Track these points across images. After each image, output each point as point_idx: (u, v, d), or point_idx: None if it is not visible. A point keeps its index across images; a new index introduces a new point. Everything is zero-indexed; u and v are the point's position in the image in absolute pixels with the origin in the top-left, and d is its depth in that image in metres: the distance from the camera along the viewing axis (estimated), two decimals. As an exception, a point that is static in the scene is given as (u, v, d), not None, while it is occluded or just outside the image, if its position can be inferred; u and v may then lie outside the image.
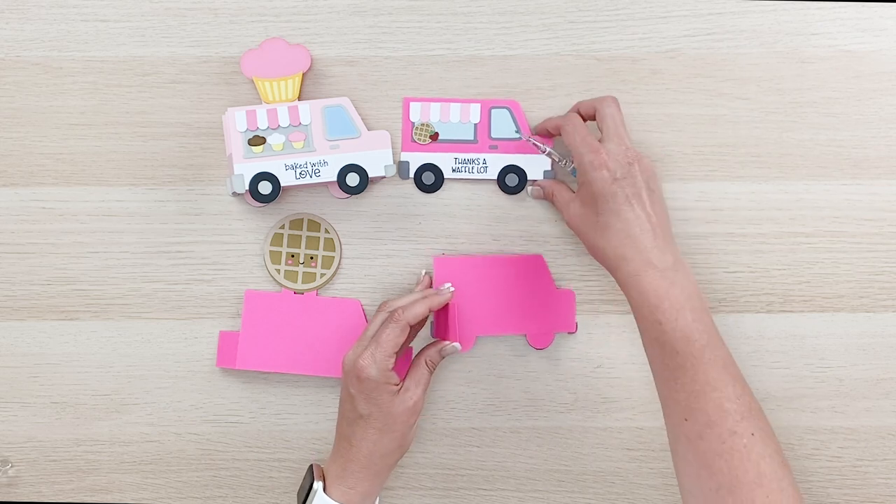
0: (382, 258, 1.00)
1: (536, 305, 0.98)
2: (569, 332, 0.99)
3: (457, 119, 0.98)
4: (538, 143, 0.96)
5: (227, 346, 0.98)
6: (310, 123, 0.95)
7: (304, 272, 0.99)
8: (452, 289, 0.96)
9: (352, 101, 0.97)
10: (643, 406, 1.00)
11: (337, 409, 0.93)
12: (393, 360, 0.90)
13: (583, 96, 0.99)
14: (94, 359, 0.99)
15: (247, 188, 0.94)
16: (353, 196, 0.99)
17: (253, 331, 0.98)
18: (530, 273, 0.99)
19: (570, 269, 1.00)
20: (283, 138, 0.95)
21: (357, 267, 1.00)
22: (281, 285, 0.99)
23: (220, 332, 0.99)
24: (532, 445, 1.00)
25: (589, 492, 1.00)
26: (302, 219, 0.99)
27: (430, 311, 0.93)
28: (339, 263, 0.99)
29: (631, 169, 0.89)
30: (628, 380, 1.00)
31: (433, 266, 0.98)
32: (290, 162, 0.94)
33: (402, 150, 0.98)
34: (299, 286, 0.99)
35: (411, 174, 0.98)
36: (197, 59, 0.99)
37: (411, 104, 0.98)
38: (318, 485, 0.90)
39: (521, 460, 1.00)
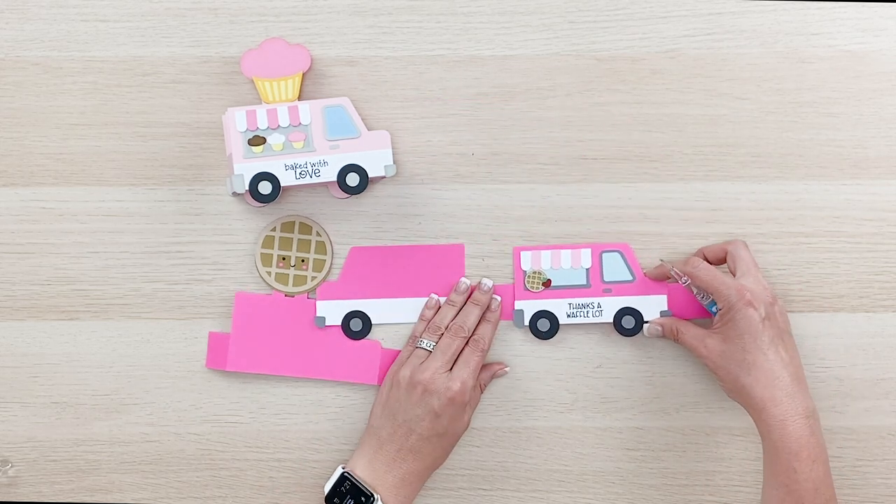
0: (382, 258, 1.00)
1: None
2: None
3: (568, 265, 0.98)
4: (680, 275, 0.94)
5: (217, 348, 0.98)
6: (310, 123, 0.95)
7: (294, 275, 0.99)
8: (499, 299, 0.99)
9: (352, 101, 0.97)
10: (643, 406, 1.00)
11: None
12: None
13: (583, 96, 0.99)
14: (94, 359, 0.99)
15: (247, 188, 0.94)
16: (353, 196, 0.99)
17: (243, 333, 0.98)
18: (450, 263, 0.99)
19: (570, 269, 1.00)
20: (283, 138, 0.95)
21: (357, 267, 1.00)
22: (272, 288, 0.99)
23: (210, 332, 0.99)
24: (532, 445, 1.00)
25: (589, 492, 1.00)
26: (293, 221, 0.99)
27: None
28: (330, 266, 0.99)
29: (772, 309, 0.91)
30: (628, 380, 1.00)
31: (348, 255, 0.98)
32: (290, 162, 0.94)
33: (516, 298, 0.98)
34: (290, 289, 0.99)
35: (526, 322, 0.98)
36: (197, 59, 0.99)
37: (522, 253, 0.98)
38: (377, 495, 0.92)
39: (521, 460, 1.00)
